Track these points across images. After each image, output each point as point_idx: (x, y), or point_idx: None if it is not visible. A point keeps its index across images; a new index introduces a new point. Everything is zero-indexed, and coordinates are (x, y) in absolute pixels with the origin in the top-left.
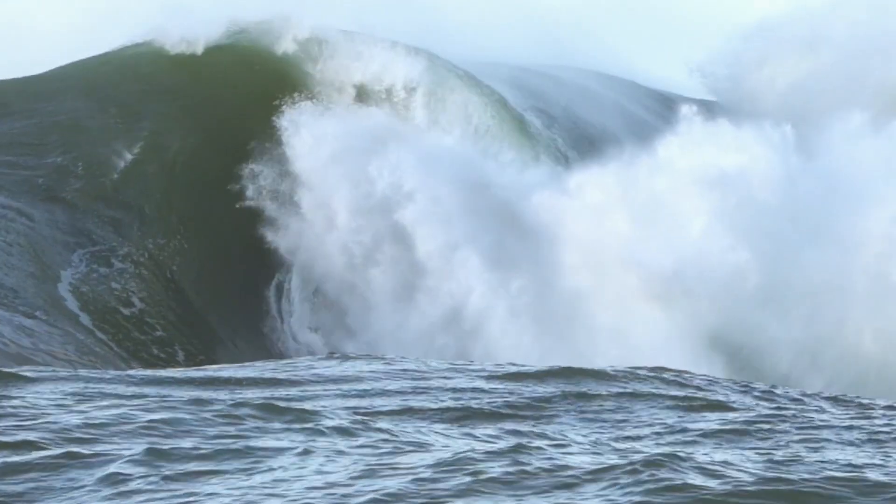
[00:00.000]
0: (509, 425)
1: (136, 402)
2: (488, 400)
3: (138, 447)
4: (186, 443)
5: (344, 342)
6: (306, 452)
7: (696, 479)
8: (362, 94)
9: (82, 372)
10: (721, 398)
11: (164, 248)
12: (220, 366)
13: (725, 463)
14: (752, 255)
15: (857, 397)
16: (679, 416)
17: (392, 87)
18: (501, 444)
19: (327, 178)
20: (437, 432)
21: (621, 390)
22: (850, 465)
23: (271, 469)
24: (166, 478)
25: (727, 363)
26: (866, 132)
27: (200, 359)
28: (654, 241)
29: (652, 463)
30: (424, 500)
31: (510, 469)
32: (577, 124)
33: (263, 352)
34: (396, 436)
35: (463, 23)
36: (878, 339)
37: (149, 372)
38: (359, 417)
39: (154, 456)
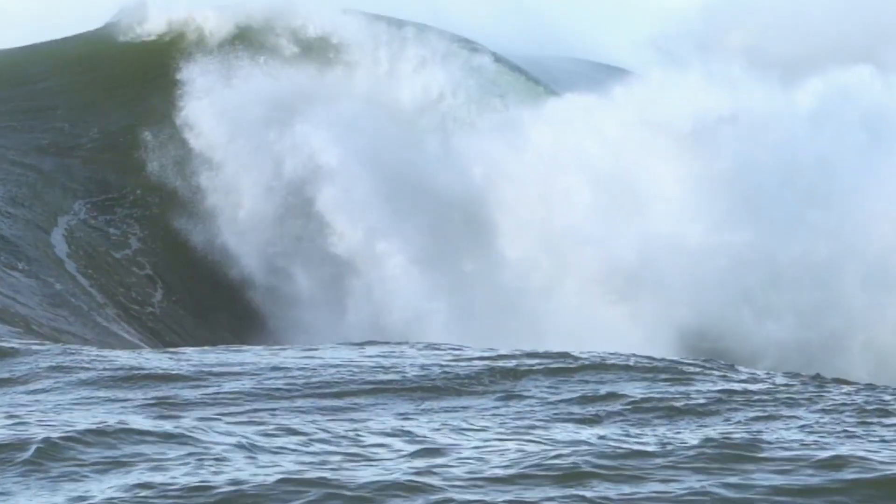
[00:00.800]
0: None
1: (85, 381)
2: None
3: (80, 427)
4: (134, 427)
5: None
6: (249, 443)
7: (648, 448)
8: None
9: (53, 347)
10: (682, 375)
11: (167, 202)
12: (175, 349)
13: (679, 436)
14: (738, 236)
15: (818, 375)
16: (640, 391)
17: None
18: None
19: (231, 155)
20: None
21: (582, 366)
22: (800, 438)
23: (219, 460)
24: (112, 462)
25: None
26: (861, 87)
27: (174, 299)
28: (615, 220)
29: (605, 437)
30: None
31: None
32: None
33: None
34: (342, 423)
35: (442, 9)
36: (869, 351)
37: (101, 352)
38: (297, 404)
39: (99, 438)
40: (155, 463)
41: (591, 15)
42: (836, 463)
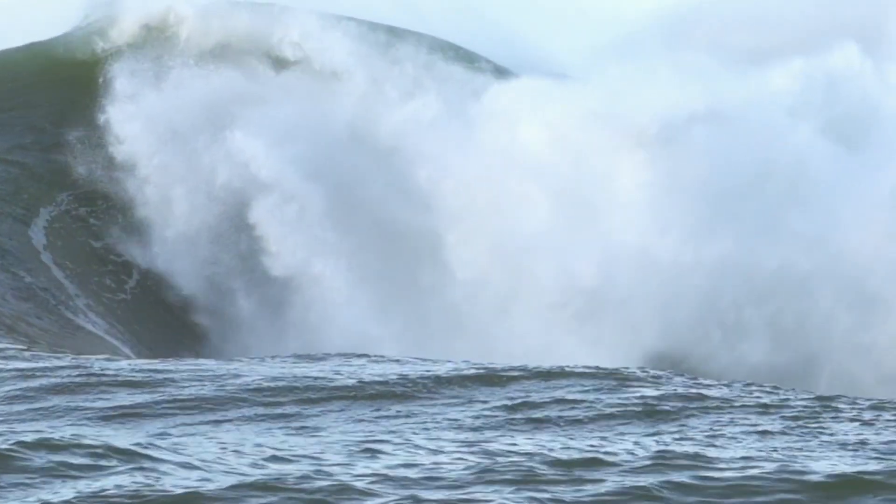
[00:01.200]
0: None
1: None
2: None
3: (29, 436)
4: (87, 438)
5: None
6: (207, 449)
7: (606, 455)
8: None
9: (27, 354)
10: (641, 383)
11: (149, 192)
12: (135, 360)
13: (636, 441)
14: (710, 250)
15: (775, 386)
16: (599, 398)
17: None
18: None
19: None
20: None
21: (540, 373)
22: (757, 443)
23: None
24: (64, 473)
25: None
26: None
27: (149, 283)
28: (574, 234)
29: (563, 442)
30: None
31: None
32: None
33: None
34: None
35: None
36: (839, 380)
37: (62, 357)
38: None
39: (46, 444)
40: (110, 470)
41: (539, 23)
42: (792, 467)
